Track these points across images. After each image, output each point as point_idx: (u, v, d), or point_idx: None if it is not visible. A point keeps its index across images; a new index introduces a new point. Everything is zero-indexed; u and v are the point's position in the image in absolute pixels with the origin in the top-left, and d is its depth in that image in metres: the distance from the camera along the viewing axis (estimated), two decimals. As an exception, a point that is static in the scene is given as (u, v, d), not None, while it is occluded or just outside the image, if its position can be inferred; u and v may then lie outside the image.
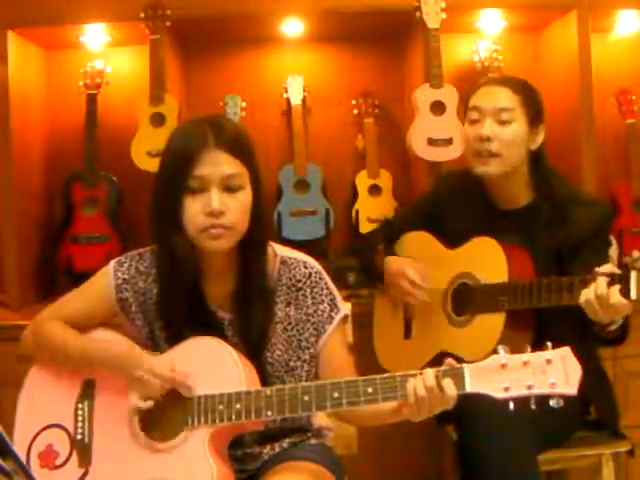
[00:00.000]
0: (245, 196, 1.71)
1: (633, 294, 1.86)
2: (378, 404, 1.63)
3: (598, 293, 1.87)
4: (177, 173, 1.67)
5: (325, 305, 1.81)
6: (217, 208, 1.66)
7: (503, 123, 2.17)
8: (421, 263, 2.32)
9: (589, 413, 2.26)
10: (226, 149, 1.68)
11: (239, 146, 1.70)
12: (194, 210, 1.67)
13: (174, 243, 1.70)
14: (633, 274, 1.87)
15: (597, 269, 1.92)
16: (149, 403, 1.69)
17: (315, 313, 1.80)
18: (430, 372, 1.57)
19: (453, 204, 2.34)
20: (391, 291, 2.39)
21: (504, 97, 2.18)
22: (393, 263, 2.36)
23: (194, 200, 1.68)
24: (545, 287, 2.03)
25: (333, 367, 1.80)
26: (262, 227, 1.76)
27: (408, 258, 2.36)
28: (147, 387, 1.69)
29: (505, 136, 2.17)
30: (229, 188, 1.68)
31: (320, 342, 1.81)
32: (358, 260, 2.54)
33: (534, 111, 2.20)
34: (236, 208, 1.68)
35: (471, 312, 2.20)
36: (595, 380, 2.18)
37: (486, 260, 2.18)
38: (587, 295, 1.90)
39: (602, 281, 1.88)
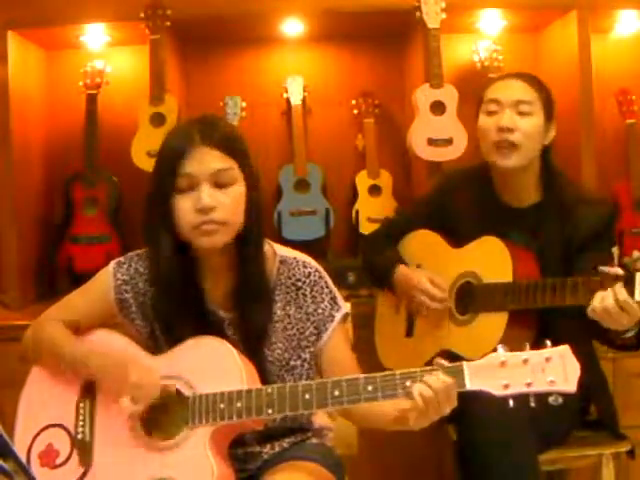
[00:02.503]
0: (237, 191, 1.70)
1: (637, 295, 1.86)
2: (383, 410, 1.65)
3: (621, 300, 1.85)
4: (165, 173, 1.68)
5: (325, 304, 1.81)
6: (208, 204, 1.66)
7: (522, 115, 2.16)
8: (431, 272, 2.29)
9: (589, 413, 2.26)
10: (213, 145, 1.68)
11: (227, 141, 1.70)
12: (185, 208, 1.67)
13: (160, 243, 1.71)
14: (638, 275, 1.86)
15: (601, 268, 1.91)
16: (140, 407, 1.66)
17: (315, 312, 1.80)
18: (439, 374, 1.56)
19: (459, 202, 2.32)
20: (404, 301, 2.37)
21: (523, 90, 2.18)
22: (406, 275, 2.32)
23: (184, 198, 1.68)
24: (549, 287, 2.02)
25: (337, 364, 1.80)
26: (258, 223, 1.76)
27: (419, 269, 2.33)
28: (138, 393, 1.65)
29: (525, 127, 2.16)
30: (219, 184, 1.68)
31: (322, 340, 1.81)
32: (364, 261, 2.53)
33: (549, 106, 2.20)
34: (227, 203, 1.68)
35: (474, 311, 2.19)
36: (594, 380, 2.18)
37: (491, 259, 2.18)
38: (605, 302, 1.87)
39: (620, 287, 1.86)
